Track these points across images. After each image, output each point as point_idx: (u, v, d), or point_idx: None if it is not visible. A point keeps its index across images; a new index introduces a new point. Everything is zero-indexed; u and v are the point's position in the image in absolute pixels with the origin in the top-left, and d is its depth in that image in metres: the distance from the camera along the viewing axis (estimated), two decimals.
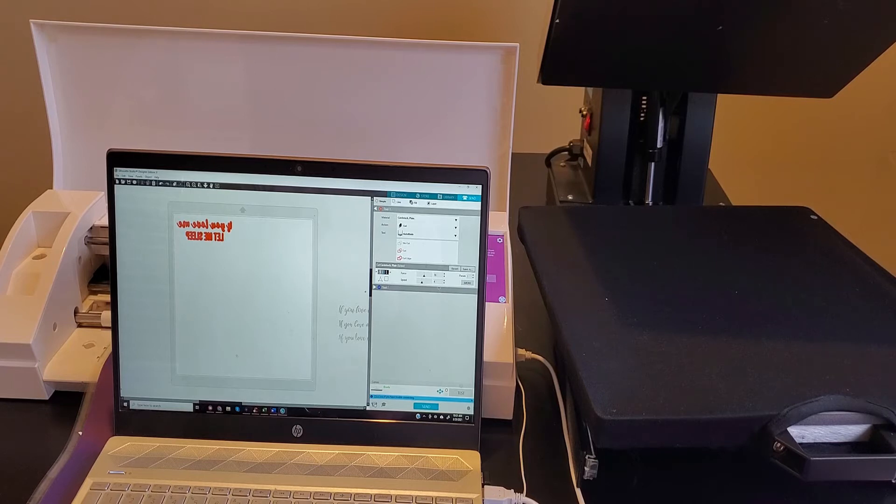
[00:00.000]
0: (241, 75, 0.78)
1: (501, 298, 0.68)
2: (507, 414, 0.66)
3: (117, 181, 0.62)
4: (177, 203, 0.62)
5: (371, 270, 0.61)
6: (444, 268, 0.61)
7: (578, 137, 1.03)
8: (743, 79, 0.83)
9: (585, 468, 0.58)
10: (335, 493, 0.58)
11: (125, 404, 0.63)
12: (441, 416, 0.62)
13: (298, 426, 0.62)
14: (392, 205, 0.61)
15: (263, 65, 0.78)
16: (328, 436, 0.62)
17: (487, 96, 0.77)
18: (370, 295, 0.61)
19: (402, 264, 0.61)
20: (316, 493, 0.58)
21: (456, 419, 0.62)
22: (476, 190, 0.61)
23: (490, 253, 0.72)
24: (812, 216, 0.78)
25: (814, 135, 1.30)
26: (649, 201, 0.91)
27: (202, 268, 0.62)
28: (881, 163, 1.30)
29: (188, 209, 0.62)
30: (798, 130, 1.30)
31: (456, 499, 0.57)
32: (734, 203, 0.98)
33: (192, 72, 0.78)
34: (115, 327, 0.62)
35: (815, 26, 0.73)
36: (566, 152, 1.05)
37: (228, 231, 0.62)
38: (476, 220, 0.61)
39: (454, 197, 0.61)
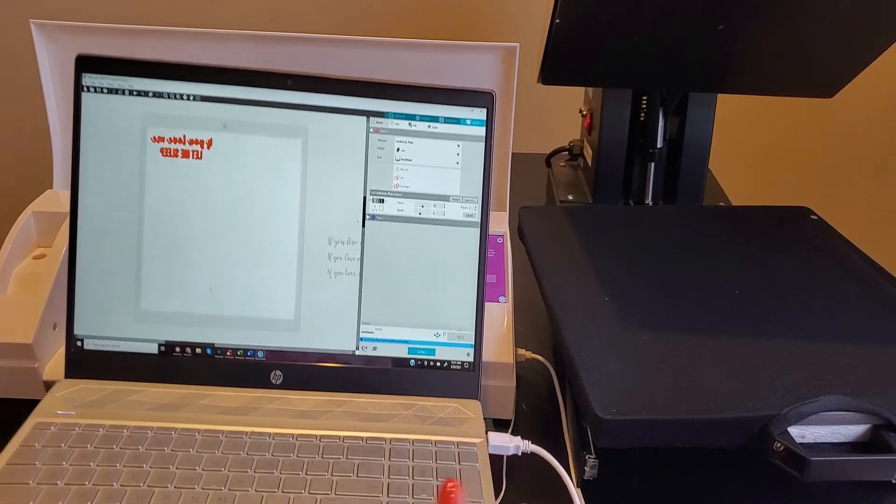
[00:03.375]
0: None
1: (501, 298, 0.68)
2: (508, 414, 0.66)
3: (85, 88, 0.55)
4: (151, 115, 0.55)
5: (365, 199, 0.56)
6: (445, 198, 0.57)
7: (578, 137, 1.03)
8: (743, 79, 0.83)
9: (585, 468, 0.58)
10: (321, 436, 0.52)
11: (79, 343, 0.56)
12: (438, 363, 0.57)
13: (278, 371, 0.56)
14: (389, 127, 0.56)
15: (264, 64, 0.78)
16: (311, 383, 0.56)
17: None
18: (363, 226, 0.56)
19: (399, 193, 0.56)
20: (299, 435, 0.52)
21: (454, 366, 0.57)
22: (481, 114, 0.56)
23: (490, 252, 0.72)
24: (812, 216, 0.78)
25: (814, 135, 1.30)
26: (649, 201, 0.91)
27: (176, 189, 0.56)
28: (881, 163, 1.30)
29: (164, 123, 0.55)
30: (798, 130, 1.30)
31: (458, 442, 0.52)
32: (734, 203, 0.98)
33: None
34: (71, 253, 0.56)
35: (815, 26, 0.73)
36: (566, 152, 1.05)
37: (208, 149, 0.56)
38: (480, 147, 0.56)
39: (457, 121, 0.56)
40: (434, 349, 0.57)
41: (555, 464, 0.55)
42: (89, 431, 0.51)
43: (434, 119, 0.56)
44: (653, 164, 0.90)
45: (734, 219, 0.78)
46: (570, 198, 0.95)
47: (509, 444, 0.54)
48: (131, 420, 0.52)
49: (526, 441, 0.55)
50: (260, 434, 0.51)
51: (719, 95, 0.89)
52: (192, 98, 0.55)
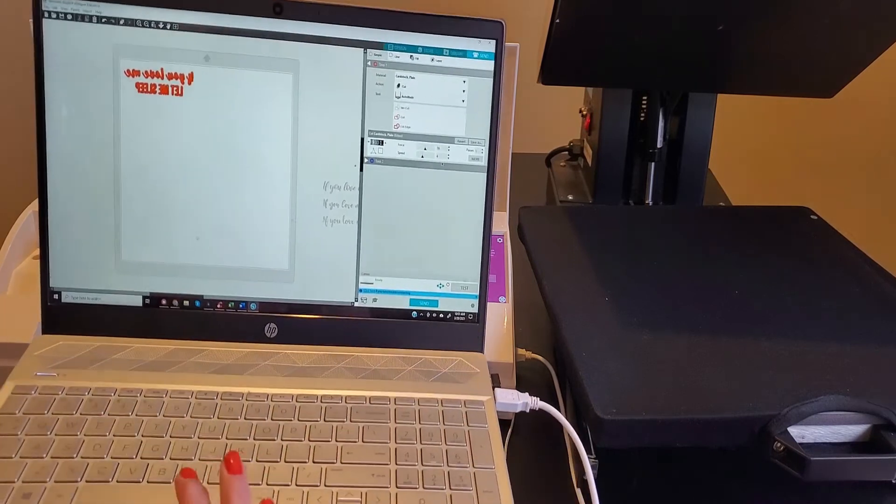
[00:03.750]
0: None
1: (501, 298, 0.68)
2: (508, 414, 0.65)
3: (46, 14, 0.49)
4: (124, 46, 0.50)
5: (363, 140, 0.52)
6: (450, 140, 0.53)
7: (578, 137, 1.03)
8: (743, 79, 0.83)
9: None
10: (323, 396, 0.49)
11: (55, 296, 0.52)
12: (441, 315, 0.55)
13: (272, 325, 0.53)
14: (389, 59, 0.51)
15: None
16: (308, 337, 0.53)
17: None
18: (361, 170, 0.53)
19: (400, 134, 0.52)
20: (299, 395, 0.49)
21: (458, 318, 0.55)
22: (489, 46, 0.52)
23: (490, 252, 0.72)
24: (812, 216, 0.78)
25: (814, 135, 1.30)
26: (649, 201, 0.91)
27: (155, 129, 0.51)
28: (881, 163, 1.30)
29: (139, 54, 0.50)
30: (798, 130, 1.30)
31: (466, 401, 0.50)
32: (734, 203, 0.98)
33: None
34: (42, 200, 0.51)
35: (815, 26, 0.73)
36: (566, 152, 1.05)
37: (189, 84, 0.51)
38: (488, 84, 0.52)
39: (463, 53, 0.52)
40: (437, 300, 0.55)
41: (563, 420, 0.53)
42: (74, 396, 0.47)
43: (438, 51, 0.52)
44: (653, 164, 0.90)
45: (734, 219, 0.78)
46: (570, 198, 0.95)
47: (517, 401, 0.52)
48: (118, 381, 0.48)
49: (534, 398, 0.53)
50: (258, 396, 0.48)
51: (719, 95, 0.89)
52: (169, 26, 0.50)
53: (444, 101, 0.52)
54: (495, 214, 0.76)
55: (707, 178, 0.92)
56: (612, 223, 0.76)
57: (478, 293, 0.55)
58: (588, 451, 0.57)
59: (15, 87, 1.27)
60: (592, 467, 0.58)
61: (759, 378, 0.55)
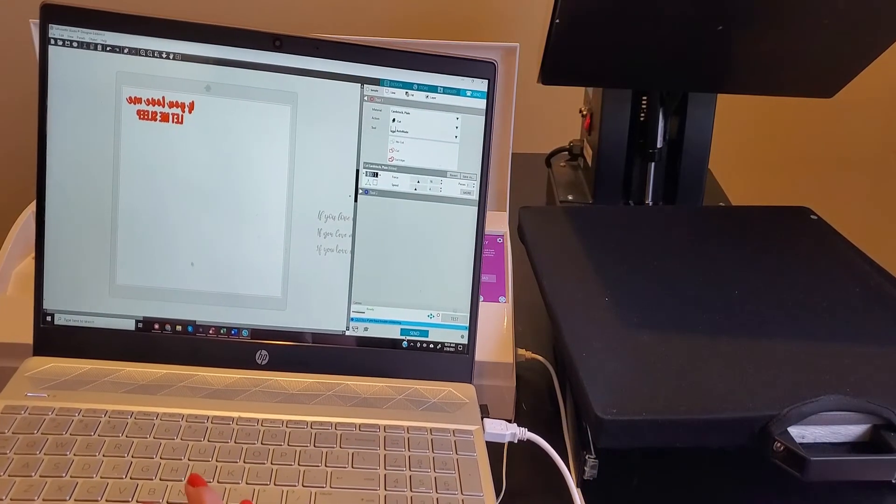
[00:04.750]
0: None
1: (501, 298, 0.68)
2: (508, 414, 0.66)
3: (52, 41, 0.50)
4: (128, 74, 0.51)
5: (358, 171, 0.53)
6: (442, 174, 0.54)
7: (578, 137, 1.03)
8: (743, 79, 0.83)
9: (585, 468, 0.57)
10: (313, 423, 0.49)
11: (48, 318, 0.53)
12: (431, 345, 0.55)
13: (264, 352, 0.53)
14: (385, 95, 0.53)
15: None
16: (299, 364, 0.53)
17: None
18: (355, 200, 0.53)
19: (394, 167, 0.53)
20: (290, 421, 0.49)
21: (448, 348, 0.55)
22: (482, 85, 0.53)
23: (490, 252, 0.72)
24: (812, 216, 0.78)
25: (814, 135, 1.30)
26: (649, 201, 0.91)
27: (155, 155, 0.52)
28: (881, 163, 1.30)
29: (141, 82, 0.51)
30: (798, 130, 1.30)
31: (455, 430, 0.50)
32: (734, 203, 0.98)
33: None
34: (39, 222, 0.52)
35: (815, 26, 0.73)
36: (566, 152, 1.05)
37: (189, 112, 0.52)
38: (480, 121, 0.53)
39: (456, 92, 0.53)
40: (427, 330, 0.55)
41: (551, 451, 0.55)
42: (64, 416, 0.47)
43: (433, 89, 0.53)
44: (653, 164, 0.90)
45: (734, 219, 0.78)
46: (570, 198, 0.95)
47: (505, 431, 0.53)
48: (109, 404, 0.48)
49: (522, 428, 0.54)
50: (248, 420, 0.48)
51: (719, 95, 0.89)
52: (172, 56, 0.51)
53: (438, 137, 0.54)
54: (497, 214, 0.77)
55: (707, 178, 0.92)
56: (612, 223, 0.76)
57: (468, 324, 0.55)
58: (588, 451, 0.57)
59: (15, 87, 1.27)
60: (592, 467, 0.58)
61: (759, 378, 0.55)
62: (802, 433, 0.52)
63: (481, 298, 0.67)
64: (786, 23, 0.73)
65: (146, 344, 0.53)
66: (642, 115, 0.89)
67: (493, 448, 0.62)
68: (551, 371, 0.70)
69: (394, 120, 0.53)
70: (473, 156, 0.54)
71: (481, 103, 0.54)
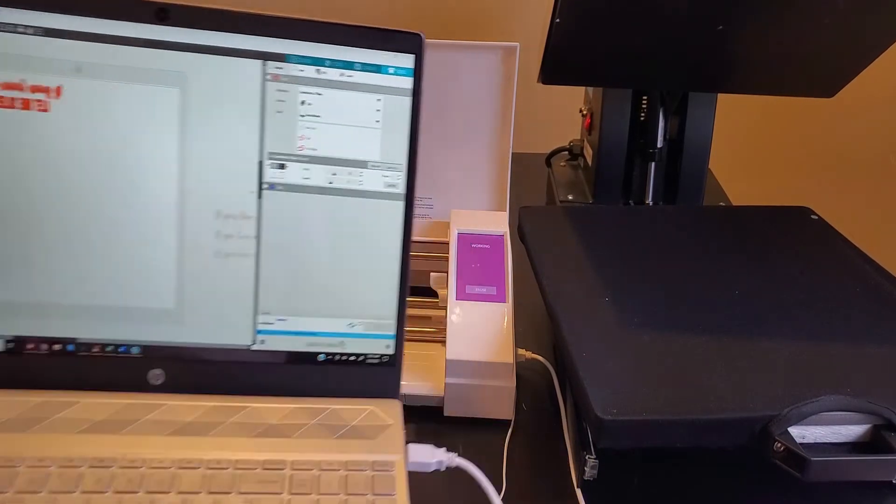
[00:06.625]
0: None
1: (501, 298, 0.68)
2: (508, 414, 0.66)
3: None
4: None
5: (261, 163, 0.47)
6: (362, 164, 0.47)
7: (578, 137, 1.03)
8: (743, 79, 0.83)
9: (585, 468, 0.57)
10: (208, 462, 0.42)
11: None
12: (352, 357, 0.49)
13: (158, 371, 0.47)
14: (292, 73, 0.45)
15: None
16: (198, 385, 0.47)
17: (487, 96, 0.76)
18: (259, 196, 0.47)
19: (305, 157, 0.47)
20: (180, 461, 0.42)
21: (371, 360, 0.49)
22: (407, 61, 0.47)
23: (487, 247, 0.72)
24: (812, 216, 0.78)
25: (814, 135, 1.30)
26: (649, 201, 0.91)
27: (16, 150, 0.44)
28: (881, 163, 1.30)
29: None
30: (798, 130, 1.30)
31: (374, 462, 0.44)
32: (734, 203, 0.98)
33: None
34: None
35: (815, 26, 0.73)
36: (566, 152, 1.05)
37: (57, 98, 0.44)
38: (406, 103, 0.47)
39: (378, 69, 0.46)
40: (347, 341, 0.49)
41: (481, 478, 0.50)
42: None
43: (349, 65, 0.46)
44: (653, 164, 0.90)
45: (734, 219, 0.78)
46: (570, 198, 0.95)
47: (431, 459, 0.47)
48: None
49: (451, 454, 0.49)
50: (132, 462, 0.41)
51: (719, 95, 0.89)
52: (32, 31, 0.43)
53: (356, 122, 0.47)
54: (497, 214, 0.77)
55: (707, 178, 0.92)
56: (612, 223, 0.76)
57: (394, 333, 0.49)
58: (588, 451, 0.57)
59: None
60: (592, 467, 0.58)
61: (759, 378, 0.55)
62: (803, 433, 0.52)
63: (478, 299, 0.67)
64: (786, 23, 0.73)
65: (19, 366, 0.45)
66: (642, 115, 0.89)
67: (493, 448, 0.62)
68: (551, 371, 0.70)
69: (303, 102, 0.46)
70: (398, 143, 0.47)
71: (407, 82, 0.47)
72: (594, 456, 0.57)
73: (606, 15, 0.72)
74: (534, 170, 1.08)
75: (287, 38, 0.45)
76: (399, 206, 0.48)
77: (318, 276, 0.48)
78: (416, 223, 0.78)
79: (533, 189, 1.06)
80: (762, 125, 1.30)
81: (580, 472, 0.58)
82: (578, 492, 0.58)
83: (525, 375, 0.70)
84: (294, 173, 0.47)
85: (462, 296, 0.68)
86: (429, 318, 0.74)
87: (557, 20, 0.71)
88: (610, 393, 0.53)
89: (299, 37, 0.45)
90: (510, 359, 0.64)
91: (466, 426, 0.64)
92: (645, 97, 0.88)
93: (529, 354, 0.69)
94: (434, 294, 0.74)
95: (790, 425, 0.51)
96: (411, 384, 0.66)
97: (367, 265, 0.49)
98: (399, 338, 0.50)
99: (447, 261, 0.72)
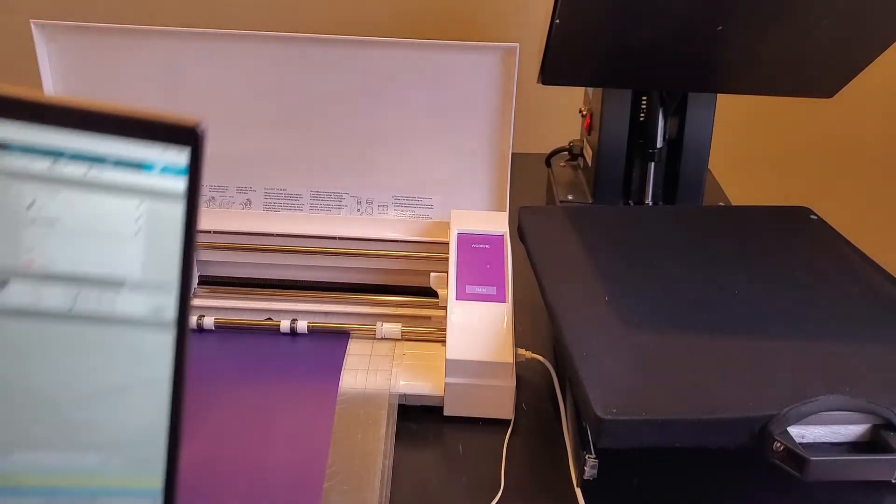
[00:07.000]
0: (241, 75, 0.78)
1: (501, 298, 0.68)
2: (508, 414, 0.66)
3: None
4: None
5: None
6: (118, 284, 0.37)
7: (578, 137, 1.03)
8: (743, 79, 0.83)
9: (585, 468, 0.57)
10: None
11: None
12: None
13: None
14: (13, 166, 0.35)
15: (262, 64, 0.78)
16: None
17: (487, 96, 0.76)
18: None
19: (36, 273, 0.36)
20: None
21: None
22: (179, 157, 0.36)
23: (487, 246, 0.72)
24: (812, 216, 0.78)
25: (814, 135, 1.30)
26: (649, 201, 0.91)
27: None
28: (881, 163, 1.30)
29: None
30: (798, 130, 1.30)
31: None
32: (734, 203, 0.98)
33: (193, 72, 0.78)
34: None
35: (815, 26, 0.73)
36: (566, 152, 1.05)
37: None
38: (177, 210, 0.36)
39: (139, 166, 0.36)
40: None
41: None
42: None
43: (97, 160, 0.35)
44: (653, 164, 0.90)
45: (734, 219, 0.78)
46: (570, 198, 0.95)
47: None
48: None
49: None
50: None
51: (719, 95, 0.89)
52: None
53: (108, 230, 0.36)
54: (497, 214, 0.77)
55: (707, 178, 0.92)
56: (612, 223, 0.77)
57: (161, 500, 0.38)
58: (588, 451, 0.57)
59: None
60: (592, 467, 0.58)
61: (759, 378, 0.55)
62: (802, 433, 0.52)
63: (478, 299, 0.67)
64: (786, 23, 0.73)
65: None
66: (642, 115, 0.89)
67: (493, 447, 0.62)
68: (551, 371, 0.70)
69: (32, 203, 0.36)
70: (167, 258, 0.37)
71: (179, 182, 0.36)
72: (594, 456, 0.57)
73: (606, 15, 0.72)
74: (534, 170, 1.08)
75: (9, 118, 0.34)
76: (167, 340, 0.37)
77: (52, 428, 0.36)
78: (417, 223, 0.79)
79: (533, 189, 1.06)
80: (762, 125, 1.30)
81: (580, 471, 0.58)
82: (578, 491, 0.58)
83: (525, 375, 0.71)
84: (20, 294, 0.36)
85: (462, 296, 0.68)
86: (429, 318, 0.74)
87: (557, 20, 0.71)
88: (610, 393, 0.53)
89: (28, 118, 0.34)
90: (510, 359, 0.64)
91: (466, 426, 0.65)
92: (644, 97, 0.88)
93: (529, 354, 0.69)
94: (434, 294, 0.74)
95: (790, 425, 0.51)
96: (411, 384, 0.66)
97: (120, 418, 0.37)
98: (169, 501, 0.38)
99: (447, 261, 0.72)
